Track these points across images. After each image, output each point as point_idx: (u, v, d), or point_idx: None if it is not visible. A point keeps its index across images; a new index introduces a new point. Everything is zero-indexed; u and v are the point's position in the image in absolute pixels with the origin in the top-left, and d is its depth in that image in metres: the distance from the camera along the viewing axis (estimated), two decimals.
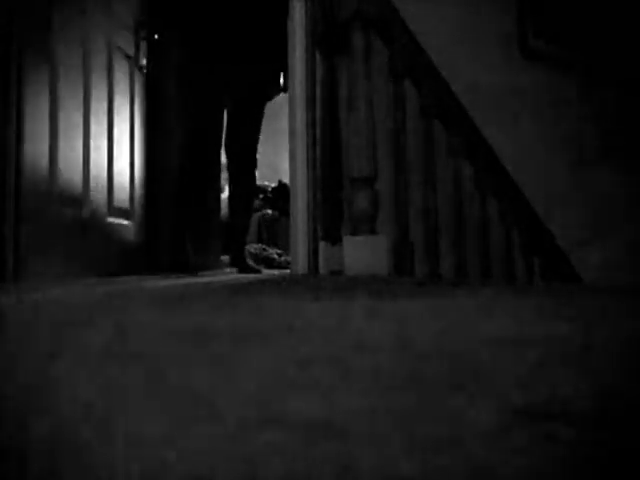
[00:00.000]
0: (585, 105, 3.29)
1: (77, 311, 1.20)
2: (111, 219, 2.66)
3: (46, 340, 0.80)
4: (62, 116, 2.27)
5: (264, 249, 4.77)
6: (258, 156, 3.11)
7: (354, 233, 2.13)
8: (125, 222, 2.80)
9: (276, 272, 3.48)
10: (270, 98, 3.04)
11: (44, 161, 2.16)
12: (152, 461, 0.35)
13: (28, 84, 2.10)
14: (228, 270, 3.25)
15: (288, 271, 2.96)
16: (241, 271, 3.01)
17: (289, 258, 2.98)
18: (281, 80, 2.96)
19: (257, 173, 3.17)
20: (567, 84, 3.24)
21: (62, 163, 2.26)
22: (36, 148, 2.13)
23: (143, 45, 2.95)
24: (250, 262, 3.20)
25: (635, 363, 0.64)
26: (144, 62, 2.96)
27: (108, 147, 2.67)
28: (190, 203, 2.92)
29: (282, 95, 2.99)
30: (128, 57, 2.86)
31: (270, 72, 2.89)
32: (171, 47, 2.85)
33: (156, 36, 2.98)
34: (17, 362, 0.64)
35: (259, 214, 5.39)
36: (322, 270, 2.35)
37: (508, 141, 2.80)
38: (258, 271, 3.10)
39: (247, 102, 2.84)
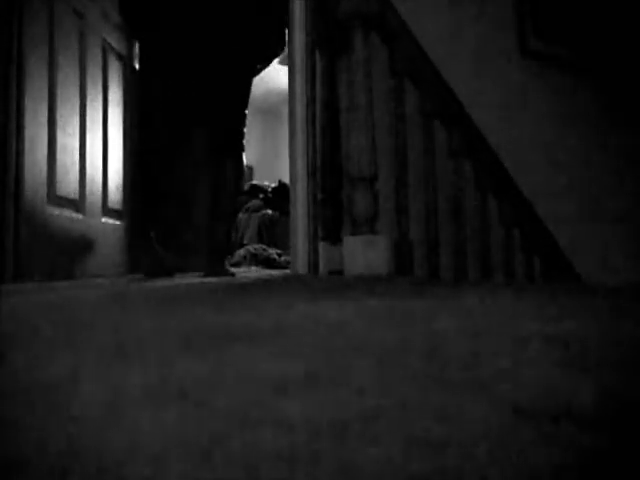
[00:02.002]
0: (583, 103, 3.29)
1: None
2: (105, 219, 2.66)
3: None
4: (59, 117, 2.26)
5: (264, 249, 4.77)
6: (259, 157, 2.97)
7: (354, 233, 2.12)
8: (118, 222, 2.79)
9: (276, 272, 3.49)
10: (255, 74, 2.81)
11: (43, 163, 2.16)
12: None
13: (27, 87, 2.09)
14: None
15: (288, 271, 2.95)
16: (207, 274, 2.53)
17: (289, 258, 2.97)
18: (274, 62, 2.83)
19: (255, 173, 3.05)
20: (566, 83, 3.24)
21: (60, 165, 2.26)
22: (35, 150, 2.12)
23: (134, 45, 2.95)
24: (227, 265, 2.70)
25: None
26: (136, 64, 2.96)
27: (103, 147, 2.66)
28: (160, 199, 2.58)
29: (283, 95, 2.93)
30: (120, 57, 2.86)
31: (255, 47, 2.71)
32: (157, 46, 2.76)
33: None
34: None
35: (259, 214, 5.39)
36: (322, 270, 2.34)
37: (508, 140, 2.80)
38: (232, 274, 2.64)
39: (231, 77, 2.64)
